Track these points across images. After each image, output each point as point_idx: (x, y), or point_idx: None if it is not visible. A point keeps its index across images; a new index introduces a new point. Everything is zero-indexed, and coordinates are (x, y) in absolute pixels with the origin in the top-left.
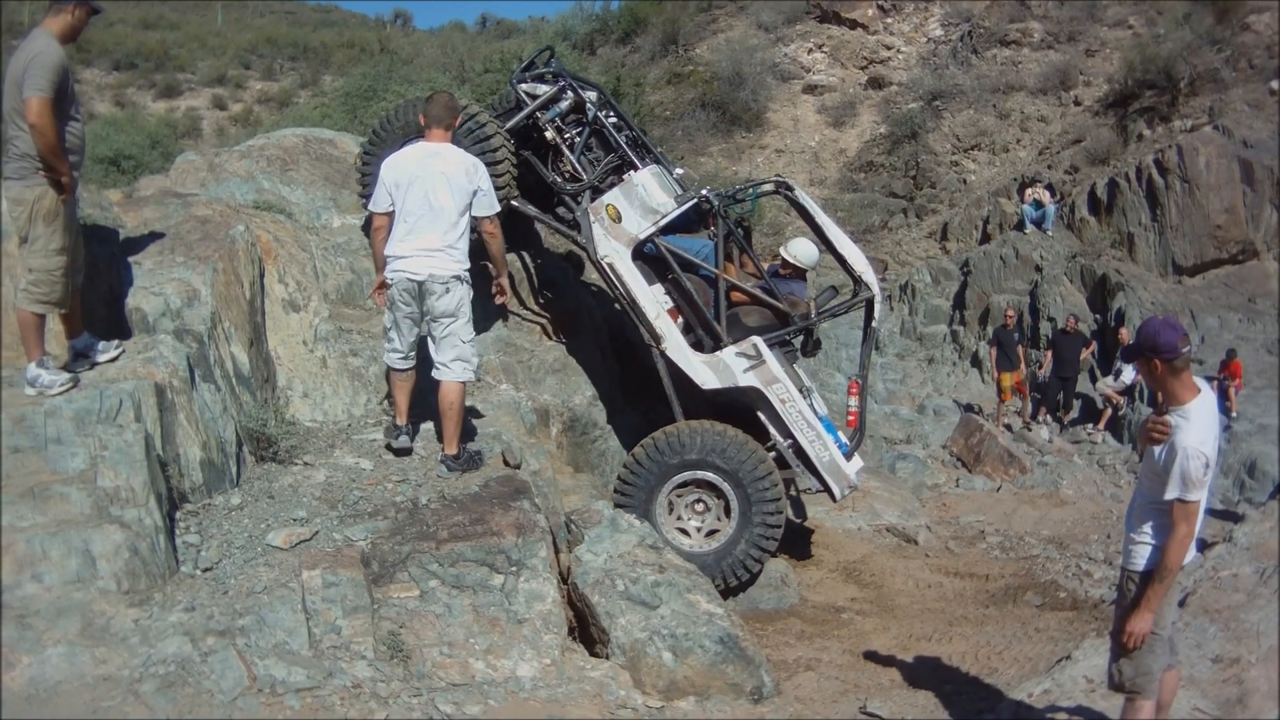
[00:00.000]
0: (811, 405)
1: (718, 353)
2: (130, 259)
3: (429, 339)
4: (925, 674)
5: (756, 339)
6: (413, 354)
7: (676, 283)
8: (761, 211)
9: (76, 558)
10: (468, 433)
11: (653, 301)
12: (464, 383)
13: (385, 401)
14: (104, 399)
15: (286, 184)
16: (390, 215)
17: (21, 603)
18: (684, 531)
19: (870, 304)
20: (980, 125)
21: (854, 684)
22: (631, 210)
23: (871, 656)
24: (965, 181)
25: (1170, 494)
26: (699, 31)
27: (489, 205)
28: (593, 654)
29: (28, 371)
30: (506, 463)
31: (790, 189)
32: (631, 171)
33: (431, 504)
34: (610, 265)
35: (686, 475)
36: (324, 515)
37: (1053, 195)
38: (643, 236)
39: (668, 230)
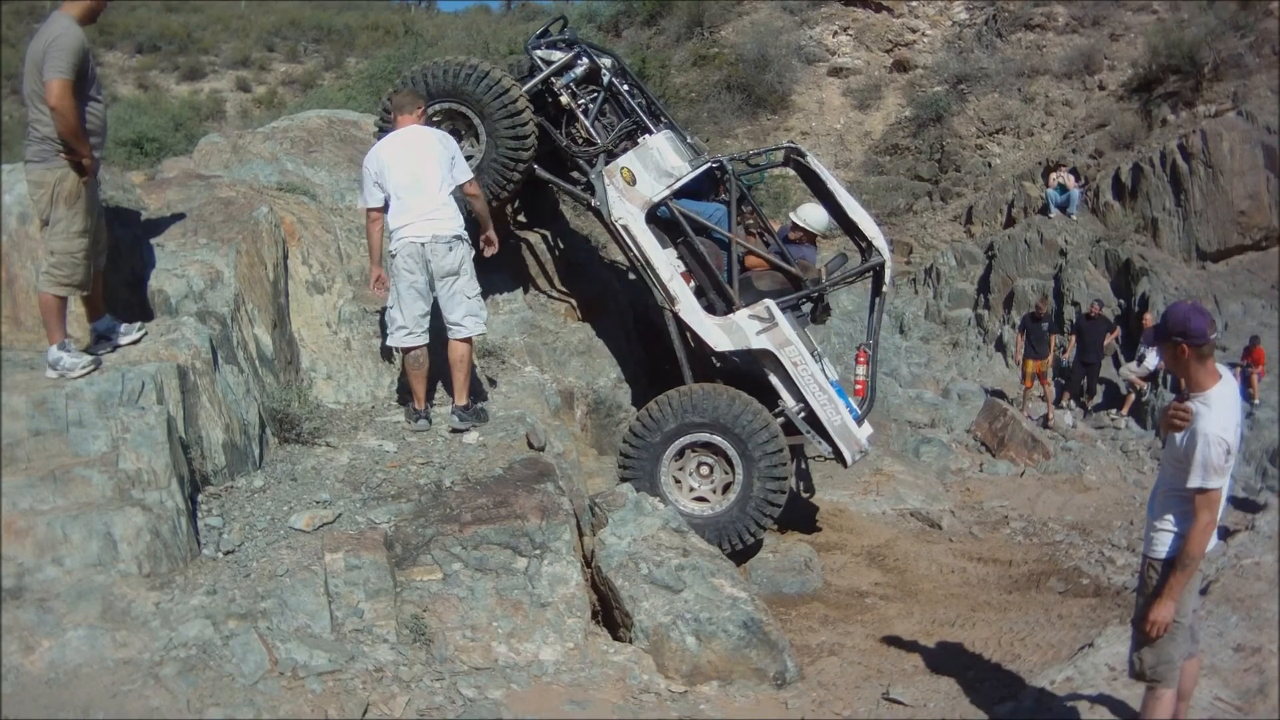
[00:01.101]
0: (823, 369)
1: (730, 315)
2: (153, 241)
3: (440, 303)
4: (948, 660)
5: (769, 302)
6: (419, 330)
7: (690, 246)
8: (787, 194)
9: (97, 540)
10: (477, 391)
11: (666, 264)
12: (472, 338)
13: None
14: (126, 381)
15: (310, 165)
16: (379, 209)
17: (42, 586)
18: (702, 499)
19: (880, 270)
20: (1005, 109)
21: (877, 669)
22: (646, 173)
23: (894, 642)
24: (990, 165)
25: (1193, 482)
26: (724, 14)
27: (465, 170)
28: (616, 638)
29: (49, 354)
30: (531, 445)
31: (801, 155)
32: (646, 135)
33: (455, 486)
34: (625, 227)
35: (675, 447)
36: (347, 498)
37: (1077, 179)
38: (657, 199)
39: (680, 195)
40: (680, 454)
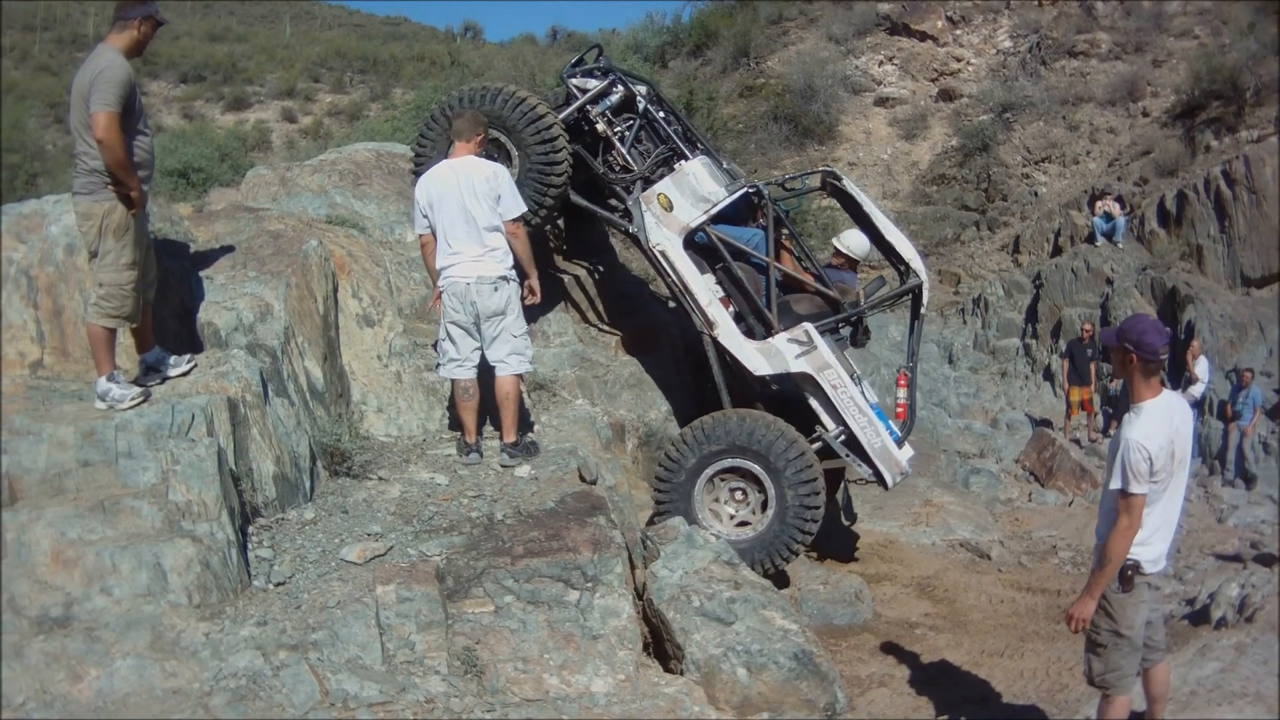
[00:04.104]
0: (863, 392)
1: (769, 339)
2: (202, 273)
3: (485, 342)
4: (997, 690)
5: (808, 325)
6: (469, 364)
7: (728, 271)
8: (835, 225)
9: (147, 571)
10: (526, 425)
11: (705, 289)
12: (519, 375)
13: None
14: (176, 413)
15: (359, 198)
16: (431, 235)
17: (90, 615)
18: (745, 523)
19: (918, 292)
20: (1050, 137)
21: (926, 700)
22: (683, 199)
23: (944, 672)
24: (1036, 194)
25: (1113, 485)
26: (770, 44)
27: (509, 208)
28: (667, 670)
29: (98, 385)
30: (582, 478)
31: (837, 179)
32: (682, 161)
33: (507, 519)
34: (663, 253)
35: (702, 479)
36: (399, 530)
37: (1123, 207)
38: (694, 225)
39: (717, 220)
40: (710, 484)
